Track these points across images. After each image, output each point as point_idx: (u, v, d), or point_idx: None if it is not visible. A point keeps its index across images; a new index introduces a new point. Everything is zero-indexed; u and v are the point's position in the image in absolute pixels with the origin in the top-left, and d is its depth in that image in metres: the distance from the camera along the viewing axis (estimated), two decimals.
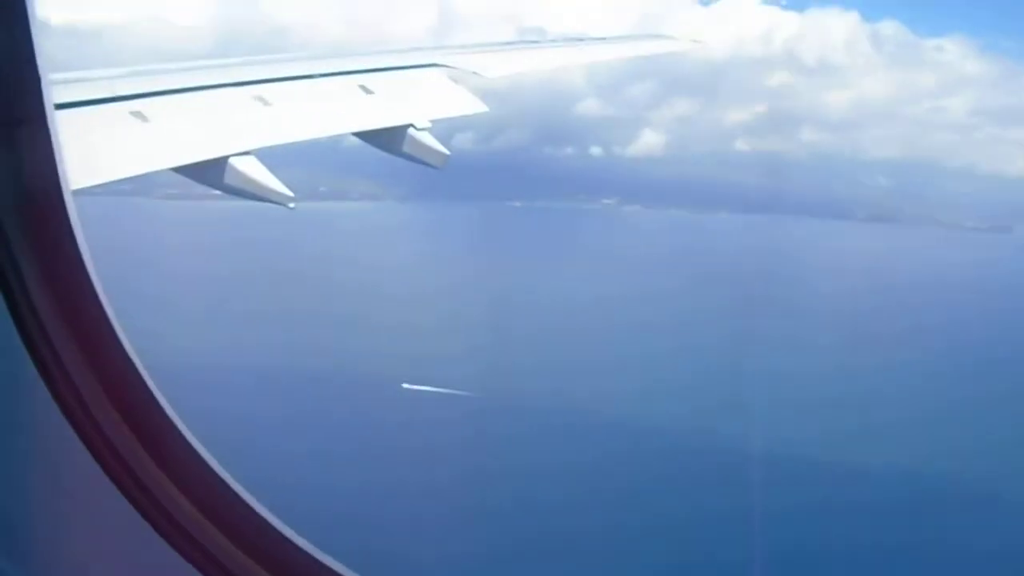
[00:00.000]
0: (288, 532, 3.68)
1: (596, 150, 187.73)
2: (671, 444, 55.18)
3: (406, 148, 11.68)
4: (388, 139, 11.70)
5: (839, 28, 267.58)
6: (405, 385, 65.03)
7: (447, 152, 11.82)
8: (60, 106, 9.00)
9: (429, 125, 11.76)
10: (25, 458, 3.42)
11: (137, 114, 9.77)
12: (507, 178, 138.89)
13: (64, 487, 3.45)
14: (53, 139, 3.42)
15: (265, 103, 10.89)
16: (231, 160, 9.91)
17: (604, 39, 16.65)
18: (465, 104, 12.61)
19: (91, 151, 9.34)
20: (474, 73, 12.87)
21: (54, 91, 9.20)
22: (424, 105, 12.12)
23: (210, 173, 10.01)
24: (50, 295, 3.37)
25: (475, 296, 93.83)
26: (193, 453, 3.61)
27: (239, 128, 10.54)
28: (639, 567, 45.13)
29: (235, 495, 3.63)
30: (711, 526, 46.48)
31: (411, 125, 11.62)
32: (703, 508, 48.12)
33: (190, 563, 3.46)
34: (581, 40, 15.84)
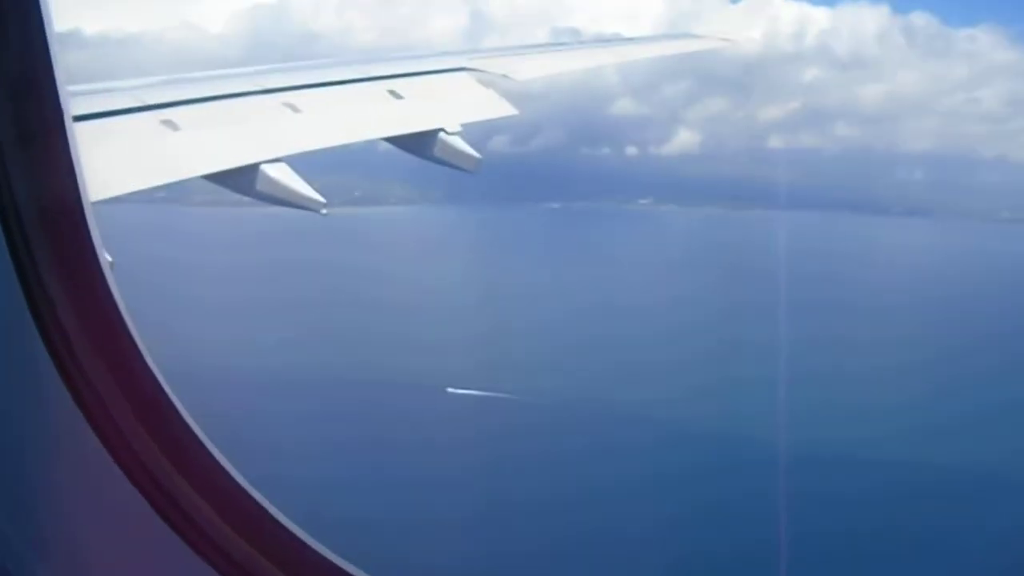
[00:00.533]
0: (310, 540, 3.74)
1: (632, 150, 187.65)
2: (725, 449, 54.68)
3: (437, 152, 11.67)
4: (419, 144, 11.70)
5: (870, 22, 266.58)
6: (449, 389, 64.78)
7: (479, 156, 11.80)
8: (92, 116, 9.12)
9: (460, 129, 11.74)
10: (49, 462, 3.50)
11: (168, 122, 9.82)
12: (544, 180, 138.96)
13: (87, 491, 3.52)
14: (72, 150, 3.45)
15: (295, 110, 10.92)
16: (262, 167, 9.94)
17: (633, 40, 16.64)
18: (495, 107, 12.59)
19: (123, 160, 9.41)
20: (504, 76, 12.86)
21: (88, 102, 9.27)
22: (454, 109, 12.11)
23: (242, 180, 10.03)
24: (70, 302, 3.43)
25: (515, 299, 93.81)
26: (208, 455, 3.67)
27: (269, 135, 10.57)
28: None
29: (252, 499, 3.70)
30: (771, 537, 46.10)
31: (442, 129, 11.61)
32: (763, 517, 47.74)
33: (210, 565, 3.53)
34: (611, 41, 15.82)
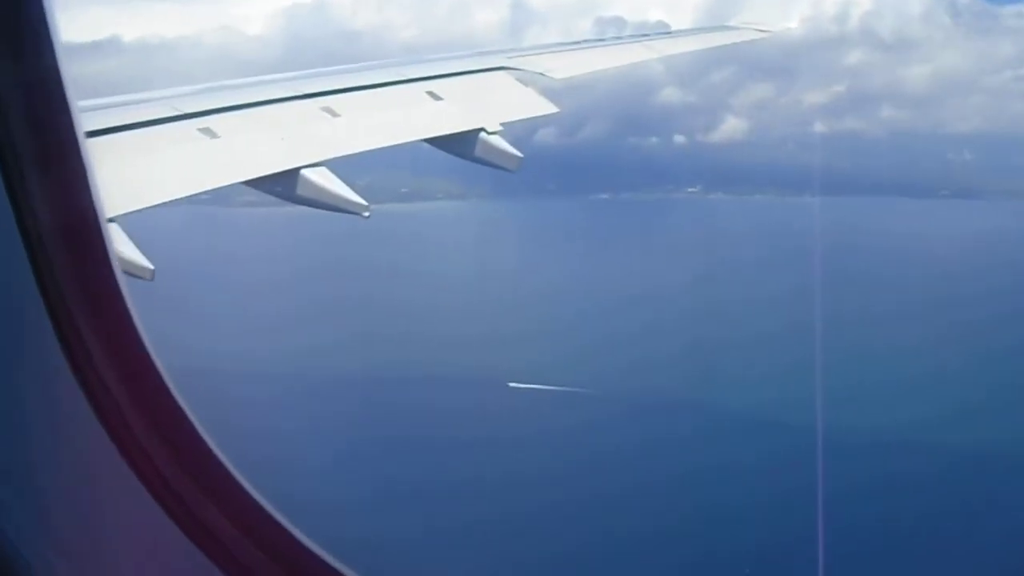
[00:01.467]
0: (321, 551, 3.82)
1: (679, 138, 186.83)
2: (796, 436, 54.17)
3: (479, 153, 11.65)
4: (459, 144, 11.69)
5: (914, 1, 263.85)
6: (511, 384, 64.55)
7: (520, 155, 11.76)
8: (129, 127, 9.18)
9: (500, 129, 11.72)
10: (66, 464, 3.61)
11: (206, 130, 9.85)
12: (591, 171, 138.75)
13: (100, 490, 3.67)
14: (86, 165, 3.53)
15: (334, 114, 10.93)
16: (303, 172, 9.95)
17: (669, 33, 16.61)
18: (535, 106, 12.59)
19: (163, 169, 9.49)
20: (541, 74, 12.85)
21: (124, 113, 9.31)
22: (493, 109, 12.09)
23: (283, 185, 10.06)
24: (87, 312, 3.54)
25: (572, 291, 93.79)
26: (218, 462, 3.78)
27: (309, 140, 10.59)
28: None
29: (260, 505, 3.80)
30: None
31: (482, 129, 11.59)
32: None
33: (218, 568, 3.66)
34: (647, 36, 15.78)
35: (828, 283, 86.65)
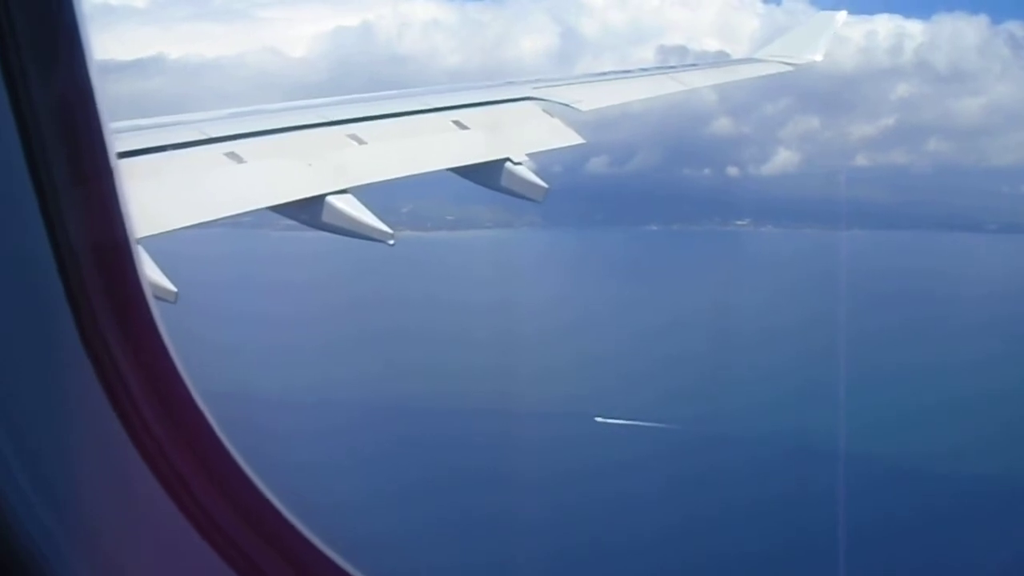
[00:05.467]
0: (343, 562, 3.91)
1: (732, 170, 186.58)
2: (878, 470, 54.13)
3: (504, 182, 11.69)
4: (485, 174, 11.73)
5: (967, 33, 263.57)
6: (598, 419, 64.15)
7: (546, 185, 11.80)
8: (157, 149, 9.32)
9: (526, 159, 11.78)
10: (95, 473, 3.70)
11: (232, 155, 9.94)
12: (642, 202, 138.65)
13: (133, 506, 3.78)
14: (118, 187, 3.60)
15: (360, 142, 11.01)
16: (328, 198, 10.02)
17: (695, 65, 16.63)
18: (561, 136, 12.63)
19: (187, 193, 9.59)
20: (566, 106, 12.89)
21: (152, 135, 9.45)
22: (519, 139, 12.14)
23: (308, 212, 10.13)
24: (117, 329, 3.63)
25: (623, 322, 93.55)
26: (231, 460, 3.88)
27: (334, 167, 10.66)
28: None
29: (286, 517, 3.89)
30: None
31: (508, 159, 11.65)
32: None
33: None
34: (673, 68, 15.82)
35: (880, 318, 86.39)
